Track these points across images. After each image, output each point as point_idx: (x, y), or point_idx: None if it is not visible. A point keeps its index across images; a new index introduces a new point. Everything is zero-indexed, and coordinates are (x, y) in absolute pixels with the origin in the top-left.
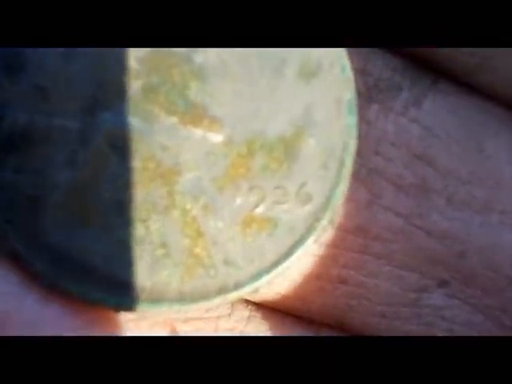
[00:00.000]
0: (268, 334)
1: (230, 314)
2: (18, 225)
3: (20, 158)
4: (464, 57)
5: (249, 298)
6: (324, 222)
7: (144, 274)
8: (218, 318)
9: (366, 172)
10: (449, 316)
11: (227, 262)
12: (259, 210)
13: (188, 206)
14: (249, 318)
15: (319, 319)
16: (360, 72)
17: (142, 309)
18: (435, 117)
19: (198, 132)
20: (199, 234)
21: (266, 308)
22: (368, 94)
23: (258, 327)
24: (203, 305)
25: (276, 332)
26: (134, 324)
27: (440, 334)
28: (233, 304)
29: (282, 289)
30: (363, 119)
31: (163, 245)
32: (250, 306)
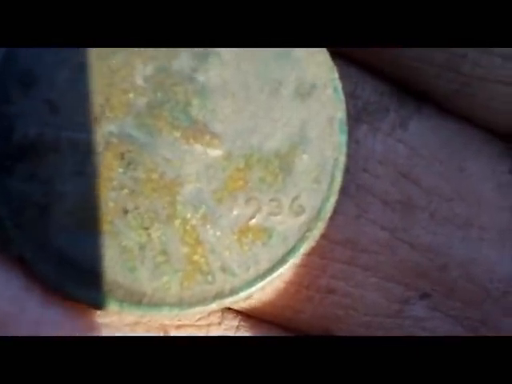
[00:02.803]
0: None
1: (220, 323)
2: (26, 230)
3: (30, 167)
4: (444, 83)
5: (242, 304)
6: (315, 232)
7: (145, 280)
8: (209, 325)
9: (354, 188)
10: (430, 327)
11: (224, 269)
12: (255, 220)
13: (188, 216)
14: (238, 327)
15: (307, 329)
16: (350, 95)
17: (143, 312)
18: (420, 138)
19: (198, 147)
20: (198, 242)
21: (255, 318)
22: (357, 116)
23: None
24: (201, 309)
25: None
26: (131, 328)
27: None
28: (223, 313)
29: (272, 298)
30: (353, 139)
31: (164, 252)
32: (239, 316)
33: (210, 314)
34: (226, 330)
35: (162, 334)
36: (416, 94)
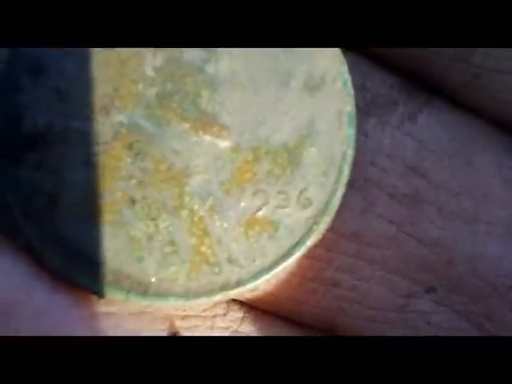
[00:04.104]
0: (259, 334)
1: (225, 314)
2: (35, 219)
3: (39, 156)
4: (454, 74)
5: (247, 296)
6: (322, 226)
7: (152, 270)
8: (214, 316)
9: (362, 181)
10: (435, 322)
11: (231, 261)
12: (262, 212)
13: (196, 207)
14: (242, 318)
15: (310, 322)
16: (359, 88)
17: (149, 302)
18: (428, 131)
19: (207, 138)
20: (205, 233)
21: (259, 310)
22: (366, 109)
23: (250, 327)
24: (207, 300)
25: (267, 333)
26: (136, 318)
27: None
28: (228, 304)
29: (277, 290)
30: (361, 132)
31: (171, 242)
32: (243, 308)
33: (215, 305)
34: (230, 321)
35: (167, 325)
36: (426, 87)
